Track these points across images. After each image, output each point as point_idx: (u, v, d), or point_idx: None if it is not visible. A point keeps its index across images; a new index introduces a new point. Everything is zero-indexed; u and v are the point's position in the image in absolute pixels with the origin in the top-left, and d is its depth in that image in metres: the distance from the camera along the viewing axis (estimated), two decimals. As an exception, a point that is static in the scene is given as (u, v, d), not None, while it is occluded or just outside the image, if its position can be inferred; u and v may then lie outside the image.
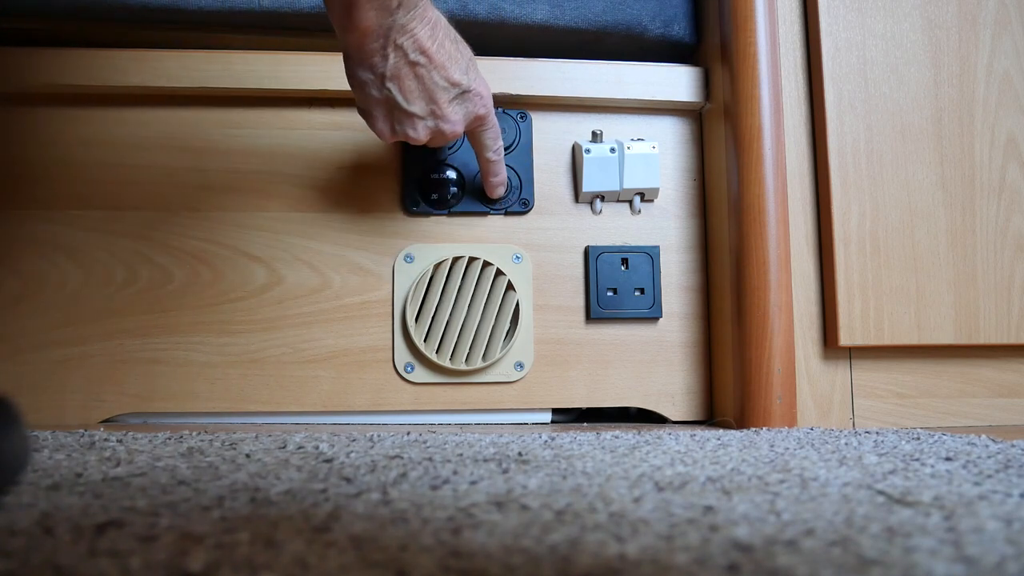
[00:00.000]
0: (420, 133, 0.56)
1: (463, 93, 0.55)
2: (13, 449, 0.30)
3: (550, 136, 0.71)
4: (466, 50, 0.56)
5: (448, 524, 0.28)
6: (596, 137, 0.69)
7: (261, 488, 0.34)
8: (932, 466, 0.40)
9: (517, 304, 0.68)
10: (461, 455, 0.43)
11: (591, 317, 0.69)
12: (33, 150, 0.67)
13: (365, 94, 0.54)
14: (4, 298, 0.65)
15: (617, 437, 0.52)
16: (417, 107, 0.54)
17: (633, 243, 0.70)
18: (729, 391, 0.65)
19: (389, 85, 0.52)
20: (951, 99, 0.68)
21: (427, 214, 0.69)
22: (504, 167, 0.65)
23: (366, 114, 0.56)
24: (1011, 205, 0.68)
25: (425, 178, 0.68)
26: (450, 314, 0.67)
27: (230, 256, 0.67)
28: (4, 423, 0.29)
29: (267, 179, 0.68)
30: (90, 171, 0.67)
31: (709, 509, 0.31)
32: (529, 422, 0.69)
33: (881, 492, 0.34)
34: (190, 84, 0.66)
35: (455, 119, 0.56)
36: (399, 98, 0.53)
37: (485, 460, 0.42)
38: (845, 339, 0.65)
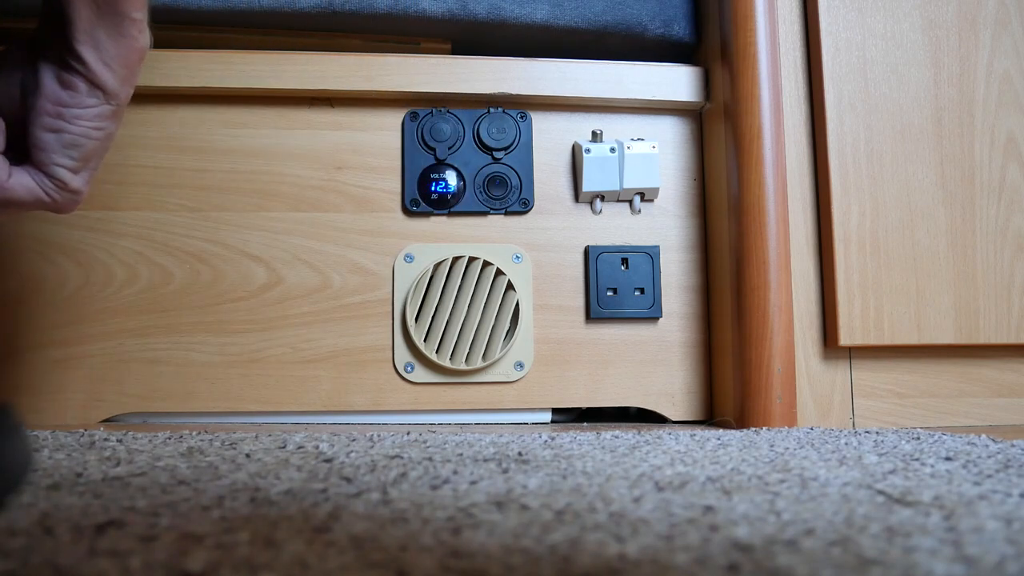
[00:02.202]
0: None
1: None
2: (14, 458, 0.30)
3: (550, 136, 0.71)
4: None
5: (448, 524, 0.28)
6: (596, 137, 0.69)
7: (261, 488, 0.34)
8: (932, 466, 0.40)
9: (517, 304, 0.68)
10: (461, 455, 0.43)
11: (591, 317, 0.69)
12: (33, 150, 0.67)
13: None
14: (4, 298, 0.65)
15: (617, 437, 0.52)
16: None
17: (633, 243, 0.70)
18: (729, 391, 0.65)
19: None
20: (951, 99, 0.68)
21: (427, 214, 0.69)
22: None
23: None
24: (1011, 205, 0.68)
25: (425, 178, 0.68)
26: (450, 314, 0.67)
27: (230, 256, 0.67)
28: (4, 431, 0.29)
29: (267, 179, 0.68)
30: (90, 171, 0.67)
31: (709, 509, 0.31)
32: (529, 422, 0.69)
33: (881, 492, 0.34)
34: (190, 83, 0.66)
35: None
36: None
37: (485, 460, 0.42)
38: (845, 339, 0.65)
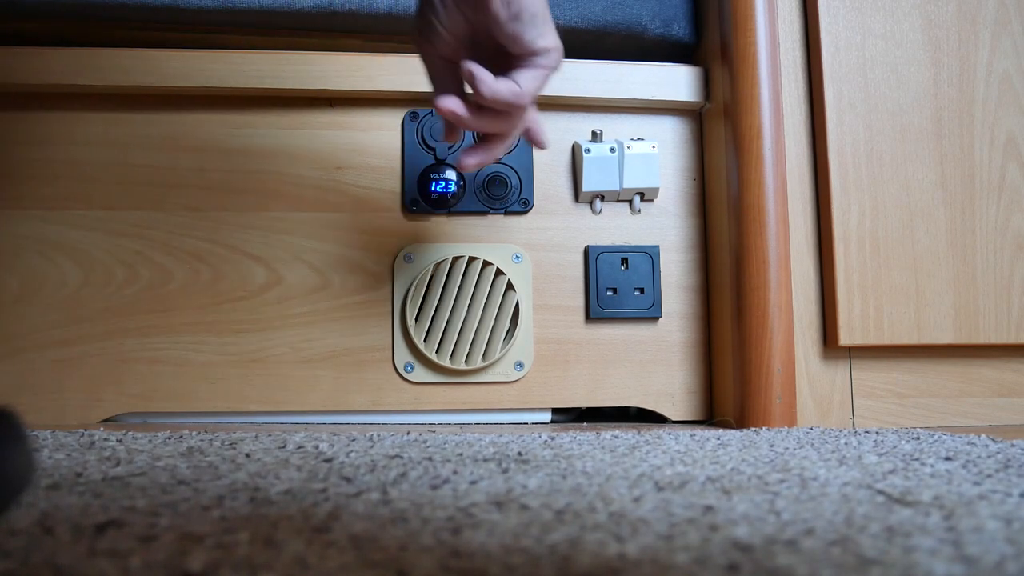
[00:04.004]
0: None
1: None
2: (17, 467, 0.30)
3: (550, 136, 0.71)
4: None
5: (448, 524, 0.28)
6: (596, 137, 0.69)
7: (261, 488, 0.34)
8: (932, 466, 0.40)
9: (517, 304, 0.68)
10: (461, 455, 0.43)
11: (591, 317, 0.69)
12: (33, 150, 0.67)
13: None
14: (4, 298, 0.65)
15: (617, 437, 0.52)
16: None
17: (633, 243, 0.70)
18: (729, 391, 0.65)
19: None
20: (951, 99, 0.68)
21: (427, 214, 0.69)
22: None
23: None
24: (1011, 205, 0.68)
25: (425, 178, 0.68)
26: (450, 314, 0.67)
27: (230, 256, 0.67)
28: (7, 439, 0.29)
29: (267, 179, 0.68)
30: (90, 171, 0.67)
31: (709, 509, 0.31)
32: (529, 422, 0.69)
33: (881, 492, 0.34)
34: (191, 84, 0.66)
35: None
36: None
37: (485, 460, 0.42)
38: (845, 339, 0.65)
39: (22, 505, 0.30)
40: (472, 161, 0.54)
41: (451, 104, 0.50)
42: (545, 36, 0.49)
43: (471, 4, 0.47)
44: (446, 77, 0.51)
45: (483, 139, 0.55)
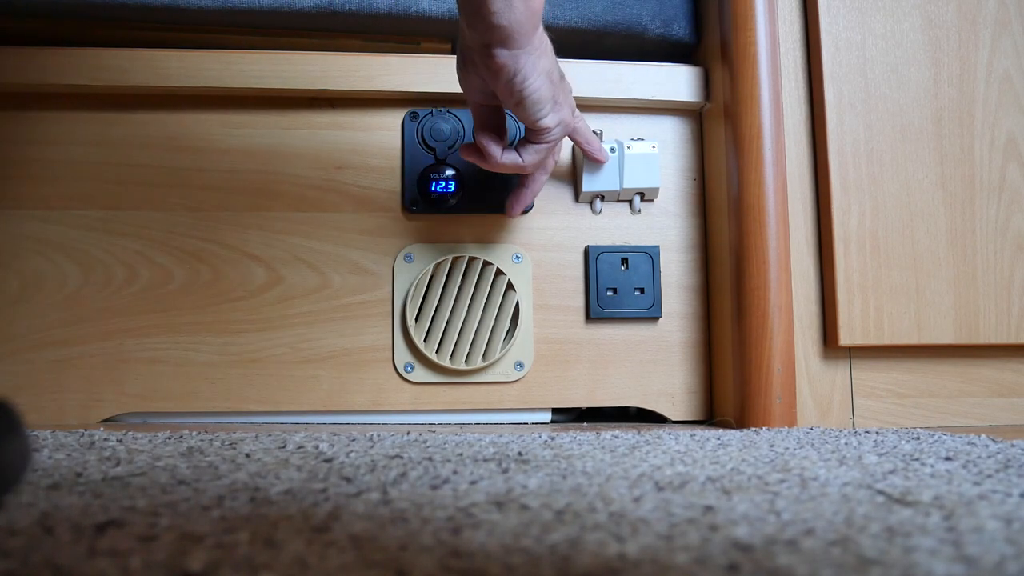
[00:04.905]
0: None
1: None
2: (13, 454, 0.30)
3: (550, 136, 0.71)
4: None
5: (448, 524, 0.28)
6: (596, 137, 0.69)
7: (261, 488, 0.34)
8: (932, 466, 0.40)
9: (517, 304, 0.68)
10: (461, 455, 0.43)
11: (591, 317, 0.69)
12: (33, 150, 0.67)
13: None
14: (4, 298, 0.65)
15: (617, 437, 0.52)
16: None
17: (633, 243, 0.70)
18: (729, 391, 0.65)
19: None
20: (951, 99, 0.68)
21: (427, 214, 0.69)
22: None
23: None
24: (1011, 205, 0.68)
25: (425, 178, 0.68)
26: (450, 314, 0.67)
27: (230, 256, 0.67)
28: (4, 428, 0.29)
29: (267, 179, 0.68)
30: (90, 171, 0.67)
31: (709, 509, 0.31)
32: (529, 422, 0.69)
33: (881, 492, 0.34)
34: (190, 84, 0.66)
35: None
36: None
37: (485, 460, 0.42)
38: (845, 339, 0.65)
39: (21, 502, 0.30)
40: (516, 211, 0.65)
41: (468, 156, 0.59)
42: (548, 117, 0.54)
43: (484, 78, 0.52)
44: (482, 118, 0.58)
45: (521, 180, 0.64)
